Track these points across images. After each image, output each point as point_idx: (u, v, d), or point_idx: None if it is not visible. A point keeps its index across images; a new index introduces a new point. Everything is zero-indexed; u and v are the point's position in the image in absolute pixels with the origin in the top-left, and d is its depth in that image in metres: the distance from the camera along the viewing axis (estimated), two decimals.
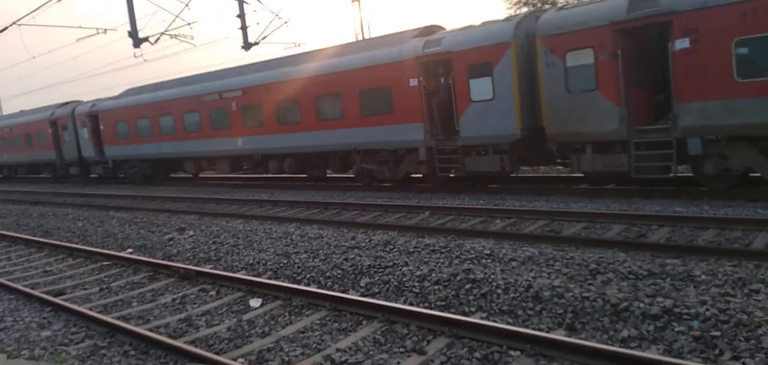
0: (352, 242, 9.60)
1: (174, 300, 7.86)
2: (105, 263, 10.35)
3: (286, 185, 19.13)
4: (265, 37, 22.64)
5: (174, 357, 5.84)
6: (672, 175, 10.93)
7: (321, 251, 9.18)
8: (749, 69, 9.46)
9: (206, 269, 8.88)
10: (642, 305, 5.66)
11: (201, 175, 23.71)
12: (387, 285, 7.37)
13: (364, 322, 6.28)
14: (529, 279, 6.73)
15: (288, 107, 16.98)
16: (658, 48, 10.92)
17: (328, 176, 18.33)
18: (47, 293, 8.56)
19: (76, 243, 12.42)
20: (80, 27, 42.92)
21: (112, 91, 27.17)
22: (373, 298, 6.97)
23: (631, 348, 5.06)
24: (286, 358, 5.61)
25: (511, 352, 5.20)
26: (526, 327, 5.77)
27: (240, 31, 21.98)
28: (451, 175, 14.22)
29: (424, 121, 13.95)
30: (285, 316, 6.81)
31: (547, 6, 23.09)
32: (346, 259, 8.51)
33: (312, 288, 7.40)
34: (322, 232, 10.78)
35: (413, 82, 13.92)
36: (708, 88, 9.89)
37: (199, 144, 20.19)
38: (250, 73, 18.40)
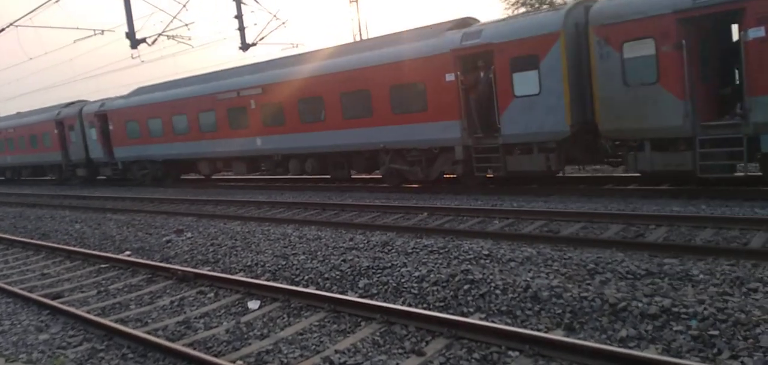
0: (351, 243, 9.59)
1: (172, 302, 7.85)
2: (103, 265, 10.32)
3: (285, 187, 19.11)
4: (262, 38, 22.61)
5: (172, 360, 5.83)
6: (742, 174, 10.45)
7: (319, 253, 9.18)
8: None
9: (204, 271, 8.87)
10: (640, 304, 5.67)
11: (214, 176, 23.02)
12: (385, 286, 7.37)
13: (363, 323, 6.28)
14: (528, 279, 6.73)
15: (311, 105, 16.34)
16: (724, 37, 10.40)
17: (352, 176, 17.72)
18: (45, 296, 8.53)
19: (74, 246, 12.39)
20: (77, 28, 42.72)
21: (110, 92, 27.02)
22: (371, 299, 6.96)
23: (630, 348, 5.07)
24: (285, 360, 5.61)
25: (510, 353, 5.20)
26: (525, 327, 5.77)
27: (237, 32, 21.98)
28: (488, 175, 13.68)
29: (461, 118, 13.28)
30: (283, 318, 6.80)
31: (544, 6, 23.13)
32: (344, 260, 8.50)
33: (310, 290, 7.39)
34: (320, 233, 10.78)
35: (449, 76, 13.23)
36: None
37: (215, 144, 19.53)
38: (271, 69, 17.79)
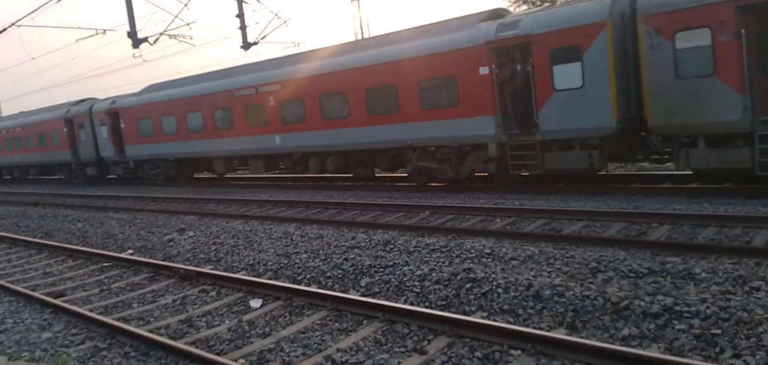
0: (353, 241, 9.60)
1: (174, 300, 7.86)
2: (105, 264, 10.34)
3: (287, 186, 19.12)
4: (264, 37, 22.66)
5: (175, 358, 5.84)
6: None
7: (321, 251, 9.18)
8: None
9: (206, 269, 8.88)
10: (643, 303, 5.66)
11: (227, 175, 22.41)
12: (387, 285, 7.37)
13: (365, 322, 6.28)
14: (530, 277, 6.73)
15: (334, 101, 15.71)
16: None
17: (376, 175, 17.19)
18: (47, 294, 8.55)
19: (77, 245, 12.42)
20: (79, 27, 42.81)
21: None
22: (373, 298, 6.97)
23: (632, 347, 5.06)
24: (287, 358, 5.61)
25: (512, 351, 5.19)
26: (527, 326, 5.77)
27: (239, 31, 22.02)
28: (523, 173, 13.10)
29: (496, 113, 12.65)
30: (285, 316, 6.81)
31: (546, 3, 23.10)
32: (346, 259, 8.51)
33: (312, 288, 7.40)
34: (322, 232, 10.78)
35: (483, 70, 12.61)
36: None
37: (231, 142, 18.86)
38: (290, 65, 17.23)
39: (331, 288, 7.63)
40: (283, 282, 8.03)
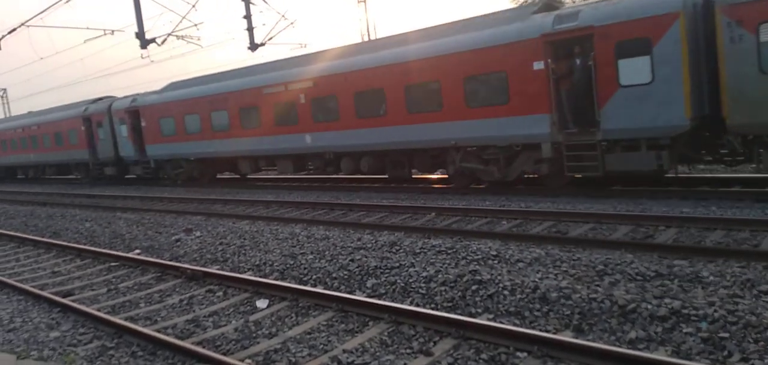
0: (359, 243, 9.61)
1: (181, 300, 7.90)
2: (113, 264, 10.40)
3: (293, 186, 19.16)
4: (271, 38, 22.73)
5: (182, 358, 5.87)
6: None
7: (327, 252, 9.20)
8: None
9: (213, 270, 8.91)
10: (650, 306, 5.64)
11: (250, 176, 21.84)
12: (393, 286, 7.38)
13: (371, 323, 6.29)
14: (536, 280, 6.72)
15: (370, 99, 15.07)
16: None
17: (413, 176, 16.61)
18: (56, 294, 8.61)
19: (84, 244, 12.49)
20: (87, 28, 43.02)
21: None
22: (379, 299, 6.97)
23: (639, 350, 5.05)
24: (293, 359, 5.63)
25: (518, 354, 5.19)
26: (533, 328, 5.76)
27: (246, 32, 22.10)
28: (577, 175, 12.35)
29: (551, 111, 11.95)
30: (292, 317, 6.82)
31: None
32: (352, 260, 8.52)
33: (318, 289, 7.41)
34: (328, 233, 10.80)
35: (538, 65, 11.92)
36: None
37: (259, 141, 18.26)
38: (323, 61, 16.55)
39: (337, 289, 7.64)
40: (290, 282, 8.05)
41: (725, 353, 4.84)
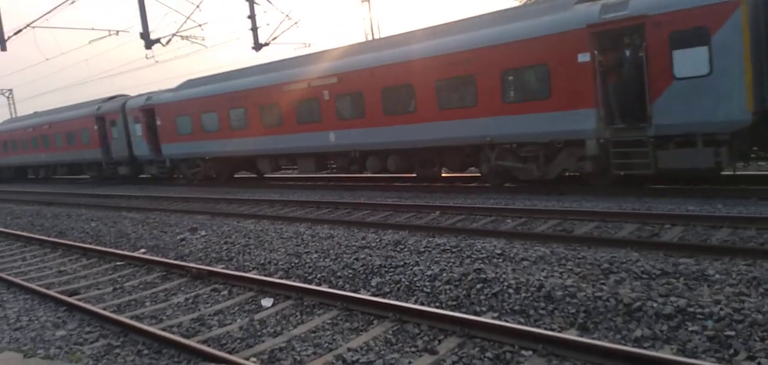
0: (363, 241, 9.61)
1: (187, 299, 7.92)
2: (118, 263, 10.44)
3: (297, 186, 19.18)
4: (275, 38, 22.77)
5: (187, 357, 5.88)
6: None
7: (332, 251, 9.21)
8: None
9: (218, 269, 8.94)
10: (655, 304, 5.62)
11: (267, 175, 21.33)
12: (398, 285, 7.38)
13: (376, 322, 6.29)
14: (541, 278, 6.71)
15: (398, 95, 14.57)
16: None
17: (443, 175, 16.09)
18: (62, 293, 8.64)
19: (90, 243, 12.54)
20: (92, 28, 43.20)
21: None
22: (384, 298, 6.98)
23: (645, 348, 5.03)
24: (298, 358, 5.64)
25: (523, 352, 5.18)
26: (538, 326, 5.75)
27: (250, 32, 22.14)
28: (622, 173, 11.71)
29: (598, 106, 11.35)
30: (296, 316, 6.83)
31: None
32: (356, 259, 8.52)
33: (323, 288, 7.42)
34: (332, 232, 10.81)
35: (583, 57, 11.31)
36: None
37: (280, 140, 17.80)
38: (348, 56, 15.99)
39: (342, 288, 7.65)
40: (294, 281, 8.06)
41: (731, 351, 4.82)
